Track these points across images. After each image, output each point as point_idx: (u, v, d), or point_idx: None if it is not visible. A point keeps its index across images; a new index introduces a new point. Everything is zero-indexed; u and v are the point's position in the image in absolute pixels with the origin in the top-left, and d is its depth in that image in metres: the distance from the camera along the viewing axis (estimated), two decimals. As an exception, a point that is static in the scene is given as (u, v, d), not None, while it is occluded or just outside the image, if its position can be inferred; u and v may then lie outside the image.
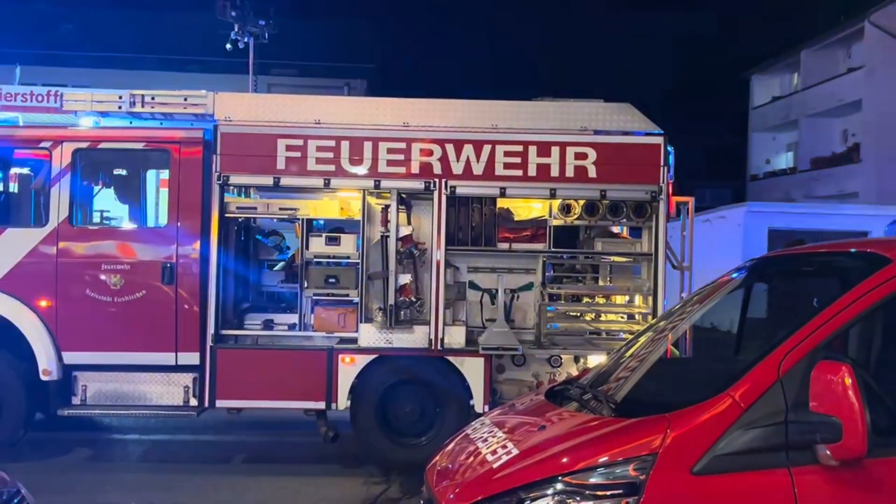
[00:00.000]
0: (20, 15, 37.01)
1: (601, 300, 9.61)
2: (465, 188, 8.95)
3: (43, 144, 9.04)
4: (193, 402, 8.92)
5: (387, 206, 8.97)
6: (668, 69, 48.21)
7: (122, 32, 35.91)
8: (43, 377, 8.77)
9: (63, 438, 9.79)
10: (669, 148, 8.98)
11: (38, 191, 9.09)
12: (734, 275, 4.92)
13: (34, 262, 8.86)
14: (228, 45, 23.06)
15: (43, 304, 8.82)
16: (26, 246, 8.88)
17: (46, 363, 8.77)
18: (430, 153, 8.91)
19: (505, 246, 9.25)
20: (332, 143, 8.87)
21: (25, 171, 9.43)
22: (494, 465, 3.84)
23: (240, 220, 9.46)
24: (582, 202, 9.08)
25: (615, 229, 9.72)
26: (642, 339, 5.07)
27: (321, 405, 8.87)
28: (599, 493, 3.53)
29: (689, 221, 9.33)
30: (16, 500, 4.57)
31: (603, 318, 9.63)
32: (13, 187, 9.49)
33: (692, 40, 47.05)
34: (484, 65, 47.56)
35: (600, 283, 9.64)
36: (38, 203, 9.06)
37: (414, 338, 8.87)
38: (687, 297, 7.28)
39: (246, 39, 22.95)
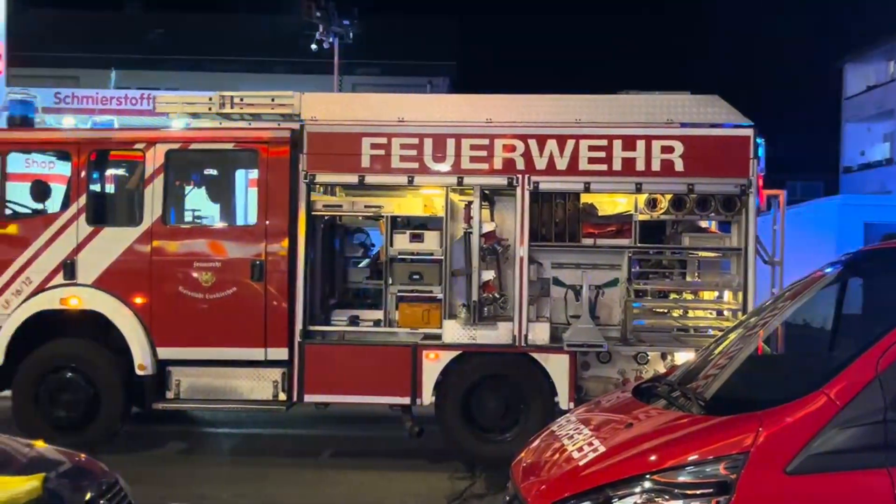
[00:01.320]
0: (114, 22, 38.32)
1: (689, 296, 9.43)
2: (548, 184, 8.89)
3: (137, 146, 9.31)
4: (282, 396, 9.08)
5: (470, 203, 8.98)
6: (757, 59, 47.05)
7: (212, 36, 36.80)
8: (138, 372, 9.04)
9: (158, 431, 10.10)
10: (759, 140, 8.75)
11: (133, 191, 9.38)
12: (828, 270, 4.77)
13: (129, 260, 9.13)
14: (314, 46, 23.40)
15: (138, 300, 9.10)
16: (122, 245, 9.16)
17: (142, 358, 9.04)
18: (513, 149, 8.88)
19: (589, 242, 9.16)
20: (415, 140, 8.92)
21: (121, 171, 9.76)
22: (581, 463, 3.80)
23: (326, 217, 9.60)
24: (668, 196, 8.93)
25: (703, 224, 9.53)
26: (732, 336, 4.96)
27: (406, 401, 8.94)
28: (689, 491, 3.47)
29: (781, 215, 9.09)
30: (113, 491, 4.73)
31: (691, 314, 9.46)
32: (110, 188, 9.83)
33: (783, 29, 45.81)
34: (567, 59, 47.17)
35: (688, 278, 9.46)
36: (132, 203, 9.34)
37: (497, 334, 8.85)
38: (778, 293, 7.11)
39: (331, 40, 23.24)
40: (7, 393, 9.23)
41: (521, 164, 8.86)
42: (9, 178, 9.50)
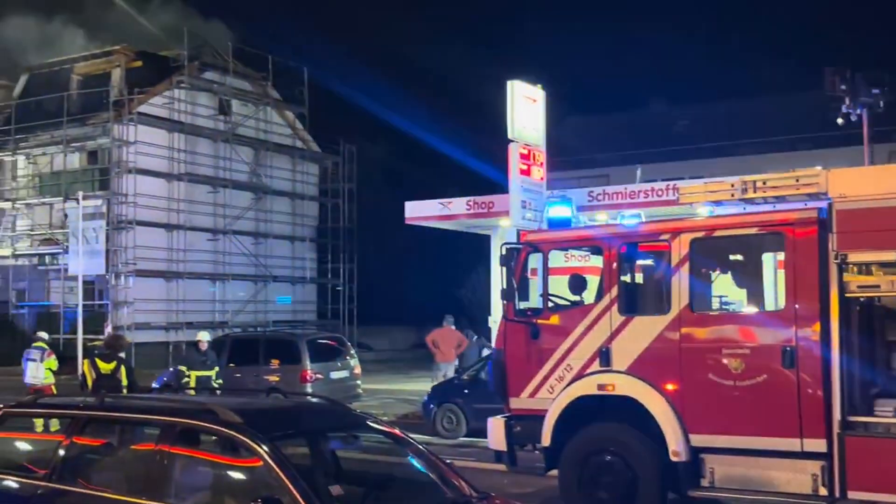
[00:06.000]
0: (641, 120, 40.56)
1: None
2: None
3: (662, 237, 9.66)
4: (823, 491, 8.51)
5: None
6: None
7: (732, 121, 36.98)
8: (672, 458, 9.15)
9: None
10: None
11: (661, 280, 9.72)
12: None
13: (659, 347, 9.40)
14: (840, 120, 22.19)
15: (669, 387, 9.29)
16: (652, 332, 9.46)
17: (676, 444, 9.15)
18: None
19: None
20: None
21: (649, 262, 10.20)
22: None
23: (861, 299, 8.94)
24: None
25: None
26: None
27: (973, 506, 7.81)
28: None
29: None
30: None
31: None
32: (639, 278, 10.32)
33: None
34: None
35: None
36: (660, 292, 9.66)
37: None
38: None
39: (858, 111, 21.81)
40: (554, 472, 10.00)
41: None
42: (550, 273, 10.48)
